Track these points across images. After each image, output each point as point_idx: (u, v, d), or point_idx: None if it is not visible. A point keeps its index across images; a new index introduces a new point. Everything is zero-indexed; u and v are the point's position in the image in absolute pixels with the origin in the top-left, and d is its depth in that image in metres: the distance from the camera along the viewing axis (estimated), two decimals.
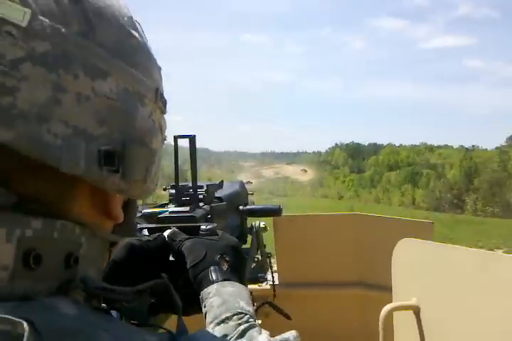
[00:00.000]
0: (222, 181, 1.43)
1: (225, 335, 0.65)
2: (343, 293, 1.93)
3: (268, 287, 1.43)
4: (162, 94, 0.47)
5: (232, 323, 0.66)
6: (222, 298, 0.69)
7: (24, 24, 0.34)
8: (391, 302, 1.32)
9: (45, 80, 0.35)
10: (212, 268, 0.74)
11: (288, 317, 1.10)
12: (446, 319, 1.16)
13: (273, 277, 1.42)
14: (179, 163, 1.09)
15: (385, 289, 1.47)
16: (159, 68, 0.47)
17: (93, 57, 0.38)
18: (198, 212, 0.99)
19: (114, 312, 0.41)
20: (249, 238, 1.42)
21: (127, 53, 0.41)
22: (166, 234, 0.87)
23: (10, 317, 0.29)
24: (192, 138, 1.06)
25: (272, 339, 0.62)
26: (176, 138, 1.06)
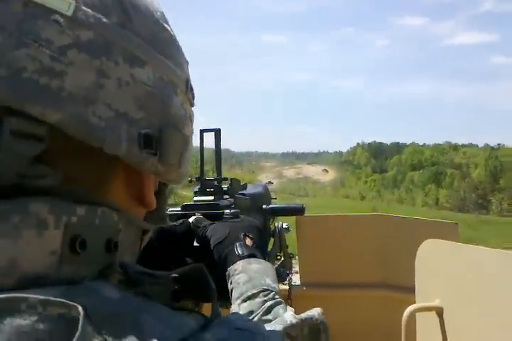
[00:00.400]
0: (245, 184, 1.44)
1: (251, 312, 0.66)
2: (365, 294, 1.92)
3: (287, 287, 1.44)
4: (191, 86, 0.48)
5: (258, 300, 0.67)
6: (249, 274, 0.71)
7: (70, 13, 0.36)
8: (414, 303, 1.31)
9: (89, 66, 0.37)
10: (237, 243, 0.76)
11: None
12: (469, 321, 1.15)
13: (290, 279, 1.42)
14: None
15: (408, 291, 1.47)
16: (187, 62, 0.49)
17: (131, 45, 0.40)
18: (223, 202, 1.01)
19: None
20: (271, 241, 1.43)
21: (161, 45, 0.43)
22: (190, 220, 0.89)
23: (65, 300, 0.30)
24: (217, 132, 1.08)
25: (297, 316, 0.64)
26: (201, 131, 1.09)
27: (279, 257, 1.45)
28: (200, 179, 1.08)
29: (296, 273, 1.98)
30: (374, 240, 1.94)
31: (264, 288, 0.69)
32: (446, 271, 1.24)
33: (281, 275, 1.34)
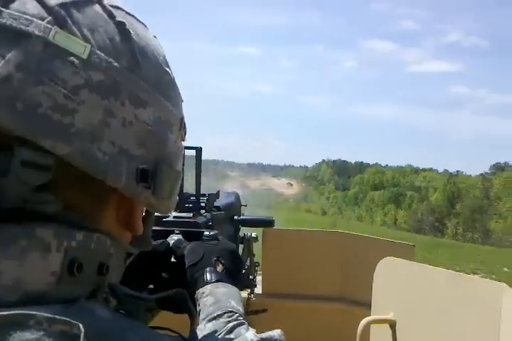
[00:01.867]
0: (218, 191, 1.50)
1: (215, 331, 0.70)
2: (324, 306, 2.00)
3: (249, 296, 1.50)
4: (185, 123, 0.53)
5: (222, 320, 0.72)
6: (215, 297, 0.75)
7: (85, 56, 0.40)
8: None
9: (98, 105, 0.40)
10: (207, 269, 0.80)
11: (264, 310, 1.17)
12: (420, 334, 1.25)
13: (254, 286, 1.49)
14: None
15: (365, 305, 1.55)
16: (182, 100, 0.53)
17: (137, 88, 0.44)
18: (201, 219, 1.06)
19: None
20: (240, 247, 1.48)
21: (163, 87, 0.48)
22: (171, 241, 0.93)
23: (69, 319, 0.34)
24: (198, 150, 1.13)
25: (257, 335, 0.67)
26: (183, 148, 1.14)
27: (246, 266, 1.51)
28: (179, 194, 1.13)
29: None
30: (336, 256, 2.03)
31: (229, 310, 0.73)
32: (401, 287, 1.34)
33: (250, 283, 1.40)
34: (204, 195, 1.16)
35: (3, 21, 0.38)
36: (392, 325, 1.31)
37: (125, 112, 0.42)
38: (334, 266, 2.01)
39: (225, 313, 0.73)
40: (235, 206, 1.49)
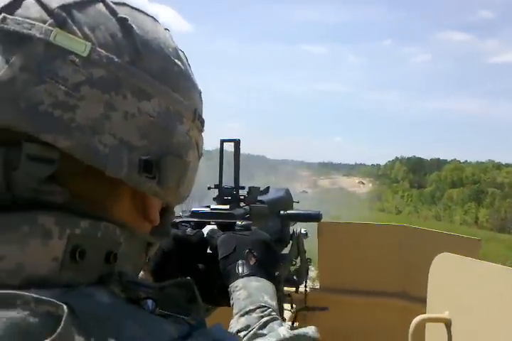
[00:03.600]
0: (268, 187, 1.49)
1: (248, 326, 0.70)
2: (382, 302, 1.93)
3: (305, 290, 1.47)
4: (200, 114, 0.53)
5: (255, 315, 0.71)
6: (248, 291, 0.75)
7: (85, 54, 0.42)
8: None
9: (99, 100, 0.41)
10: (240, 262, 0.80)
11: (324, 309, 1.15)
12: (476, 334, 1.16)
13: (306, 282, 1.46)
14: (225, 167, 1.17)
15: (425, 301, 1.48)
16: (199, 92, 0.54)
17: (140, 81, 0.44)
18: (237, 211, 1.06)
19: (150, 302, 0.45)
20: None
21: (171, 79, 0.48)
22: (205, 231, 0.94)
23: (54, 300, 0.35)
24: (236, 142, 1.13)
25: (291, 331, 0.66)
26: (222, 141, 1.14)
27: (294, 263, 1.49)
28: (219, 186, 1.13)
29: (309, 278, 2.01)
30: (396, 250, 1.95)
31: (262, 304, 0.72)
32: (458, 284, 1.26)
33: (292, 281, 1.37)
34: (243, 188, 1.16)
35: (8, 27, 0.41)
36: (448, 323, 1.23)
37: (127, 105, 0.43)
38: (393, 261, 1.94)
39: (258, 308, 0.72)
40: (283, 201, 1.47)
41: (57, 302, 0.35)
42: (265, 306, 0.73)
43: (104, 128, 0.42)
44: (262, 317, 0.71)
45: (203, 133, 0.55)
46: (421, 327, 1.29)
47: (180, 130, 0.49)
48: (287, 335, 0.65)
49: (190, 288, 0.51)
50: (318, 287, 2.03)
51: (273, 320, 0.71)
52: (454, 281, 1.28)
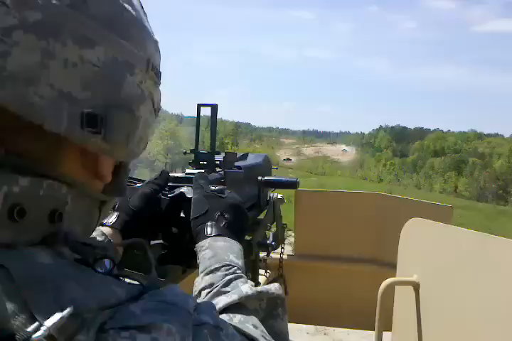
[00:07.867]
0: (247, 153, 1.48)
1: (212, 284, 0.70)
2: (357, 268, 1.98)
3: (281, 257, 1.50)
4: (154, 65, 0.49)
5: (219, 273, 0.71)
6: (214, 251, 0.75)
7: None
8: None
9: (34, 46, 0.38)
10: (209, 223, 0.80)
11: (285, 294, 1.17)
12: (444, 296, 1.20)
13: (282, 248, 1.48)
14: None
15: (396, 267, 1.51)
16: (155, 41, 0.50)
17: (83, 27, 0.40)
18: (212, 175, 1.06)
19: (107, 262, 0.43)
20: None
21: (120, 26, 0.44)
22: (179, 190, 0.94)
23: None
24: (214, 107, 1.12)
25: (254, 288, 0.66)
26: (199, 106, 1.13)
27: (269, 228, 1.50)
28: (195, 151, 1.13)
29: (288, 244, 2.04)
30: (370, 217, 1.98)
31: (227, 263, 0.72)
32: (427, 248, 1.28)
33: (267, 245, 1.39)
34: (219, 153, 1.15)
35: None
36: (416, 287, 1.27)
37: (67, 53, 0.39)
38: (368, 228, 1.97)
39: (222, 266, 0.72)
40: (262, 167, 1.47)
41: None
42: (230, 264, 0.73)
43: (41, 78, 0.38)
44: (227, 275, 0.71)
45: (159, 87, 0.51)
46: (390, 290, 1.33)
47: (130, 81, 0.45)
48: (249, 292, 0.65)
49: (143, 248, 0.50)
50: (293, 253, 2.06)
51: (237, 278, 0.71)
52: (423, 246, 1.31)
